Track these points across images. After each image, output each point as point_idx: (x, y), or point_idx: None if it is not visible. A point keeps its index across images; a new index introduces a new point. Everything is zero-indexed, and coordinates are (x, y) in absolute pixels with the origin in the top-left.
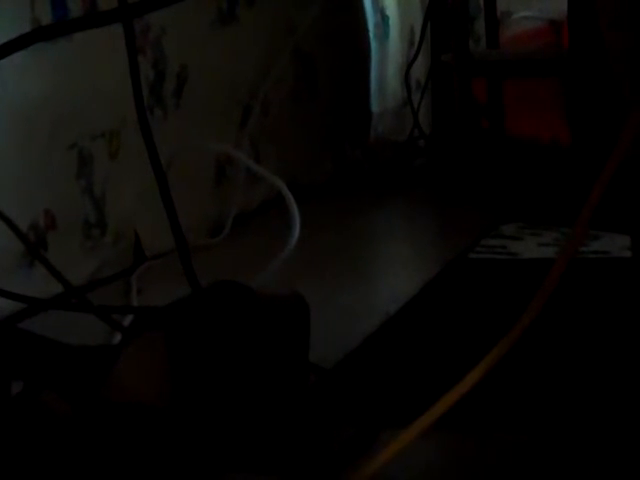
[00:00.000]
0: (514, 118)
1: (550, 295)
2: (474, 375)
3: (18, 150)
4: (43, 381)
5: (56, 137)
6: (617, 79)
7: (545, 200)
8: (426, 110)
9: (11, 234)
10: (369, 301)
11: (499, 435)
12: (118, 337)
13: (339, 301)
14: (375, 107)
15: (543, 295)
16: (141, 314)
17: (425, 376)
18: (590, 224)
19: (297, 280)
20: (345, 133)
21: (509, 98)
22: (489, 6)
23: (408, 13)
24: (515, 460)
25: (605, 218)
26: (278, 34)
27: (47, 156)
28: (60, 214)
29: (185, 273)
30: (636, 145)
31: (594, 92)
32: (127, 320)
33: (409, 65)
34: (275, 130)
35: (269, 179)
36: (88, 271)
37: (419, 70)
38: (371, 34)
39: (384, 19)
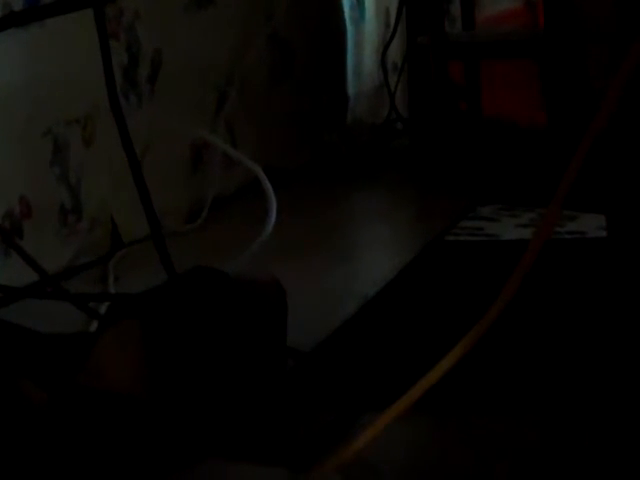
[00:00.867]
0: (491, 99)
1: (526, 276)
2: (450, 359)
3: None
4: (19, 369)
5: (30, 124)
6: (591, 58)
7: (523, 181)
8: (403, 92)
9: None
10: (347, 285)
11: (477, 419)
12: (95, 325)
13: (317, 285)
14: (352, 90)
15: (518, 277)
16: (117, 301)
17: (404, 359)
18: (566, 205)
19: (274, 264)
20: (322, 116)
21: (486, 79)
22: None
23: None
24: (493, 444)
25: (581, 198)
26: (254, 18)
27: (21, 143)
28: (35, 201)
29: (160, 260)
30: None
31: (570, 73)
32: (104, 308)
33: (385, 47)
34: (251, 114)
35: (246, 164)
36: (65, 258)
37: (395, 52)
38: (347, 17)
39: (360, 1)
